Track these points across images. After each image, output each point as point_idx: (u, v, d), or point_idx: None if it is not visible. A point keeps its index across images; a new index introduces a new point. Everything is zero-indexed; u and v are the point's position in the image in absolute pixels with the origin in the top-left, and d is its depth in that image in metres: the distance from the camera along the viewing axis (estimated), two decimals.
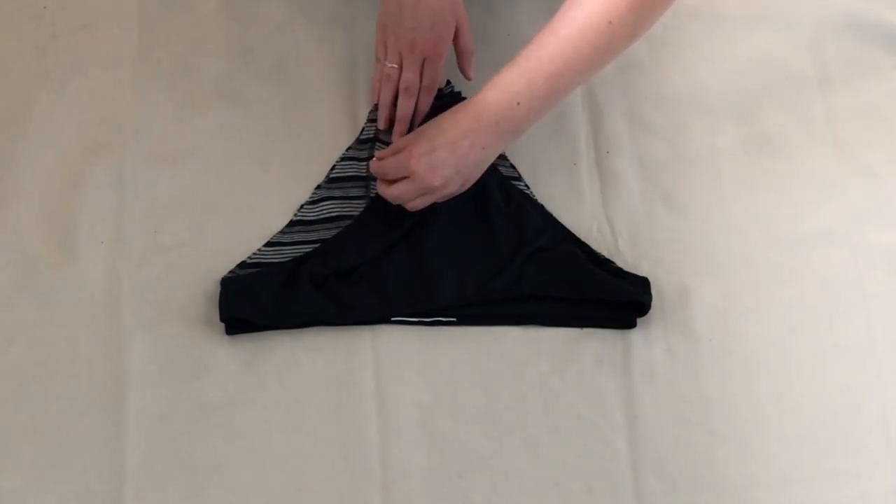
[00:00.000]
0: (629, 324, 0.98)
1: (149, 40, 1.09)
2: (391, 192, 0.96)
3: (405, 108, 1.02)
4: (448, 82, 1.06)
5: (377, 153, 1.00)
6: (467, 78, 1.05)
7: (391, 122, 1.04)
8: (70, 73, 1.07)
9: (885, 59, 1.13)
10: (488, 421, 0.95)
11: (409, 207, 0.97)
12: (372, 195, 1.01)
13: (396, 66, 1.01)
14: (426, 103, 1.03)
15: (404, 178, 0.95)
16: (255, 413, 0.94)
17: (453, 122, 0.93)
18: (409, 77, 1.01)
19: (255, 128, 1.06)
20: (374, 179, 1.00)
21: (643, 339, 0.98)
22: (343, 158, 1.04)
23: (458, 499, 0.92)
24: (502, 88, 0.91)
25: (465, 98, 1.03)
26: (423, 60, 1.01)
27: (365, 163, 1.03)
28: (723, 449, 0.95)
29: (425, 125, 0.97)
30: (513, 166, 1.03)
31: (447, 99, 1.04)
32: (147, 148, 1.04)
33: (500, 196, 1.01)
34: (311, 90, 1.08)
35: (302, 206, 1.02)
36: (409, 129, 1.03)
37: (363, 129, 1.05)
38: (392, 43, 1.01)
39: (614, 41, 0.90)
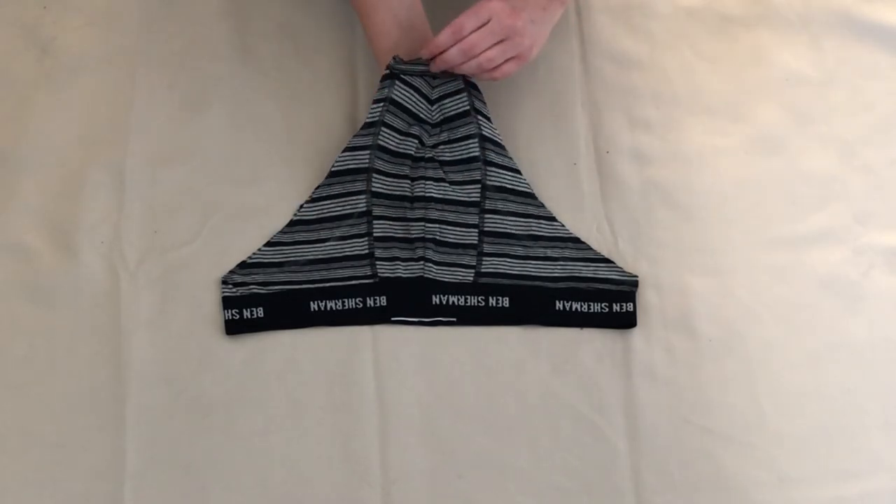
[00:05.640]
0: (629, 324, 0.98)
1: (149, 40, 1.09)
2: (471, 40, 0.93)
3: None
4: None
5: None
6: None
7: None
8: (70, 73, 1.08)
9: (885, 59, 1.13)
10: (488, 421, 0.95)
11: (498, 74, 0.95)
12: (374, 189, 1.00)
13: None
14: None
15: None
16: (255, 413, 0.94)
17: None
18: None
19: (255, 128, 1.06)
20: (376, 171, 0.99)
21: (643, 339, 0.98)
22: (346, 149, 1.02)
23: (459, 499, 0.92)
24: None
25: None
26: None
27: (368, 151, 1.01)
28: (723, 449, 0.95)
29: None
30: (510, 158, 1.03)
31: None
32: (147, 148, 1.04)
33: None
34: (311, 90, 1.08)
35: (302, 206, 1.01)
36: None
37: (369, 112, 1.03)
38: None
39: None
